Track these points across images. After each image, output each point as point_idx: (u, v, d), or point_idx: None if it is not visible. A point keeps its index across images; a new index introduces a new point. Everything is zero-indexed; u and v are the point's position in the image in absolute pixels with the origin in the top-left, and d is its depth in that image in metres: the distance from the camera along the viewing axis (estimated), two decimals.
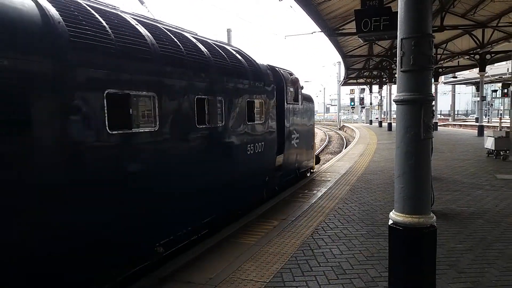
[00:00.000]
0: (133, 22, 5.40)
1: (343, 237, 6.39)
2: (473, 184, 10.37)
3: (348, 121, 70.64)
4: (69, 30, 4.08)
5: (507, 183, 10.44)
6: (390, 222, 3.69)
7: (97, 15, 4.70)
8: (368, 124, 55.35)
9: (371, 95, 57.63)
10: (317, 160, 15.07)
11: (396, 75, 3.68)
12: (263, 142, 8.78)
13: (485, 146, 16.24)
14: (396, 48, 3.68)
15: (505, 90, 35.42)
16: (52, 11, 4.00)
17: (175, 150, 5.72)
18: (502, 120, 24.42)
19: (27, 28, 3.70)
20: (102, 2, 5.43)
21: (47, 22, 3.89)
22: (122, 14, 5.43)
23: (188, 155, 6.09)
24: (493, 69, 44.61)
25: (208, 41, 7.56)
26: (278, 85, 9.87)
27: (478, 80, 31.85)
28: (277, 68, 10.33)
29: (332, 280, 4.81)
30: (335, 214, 7.79)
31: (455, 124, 49.22)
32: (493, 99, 54.21)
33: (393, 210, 3.68)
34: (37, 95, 3.73)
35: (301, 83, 11.76)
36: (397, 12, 3.68)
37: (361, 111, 68.14)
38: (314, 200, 8.97)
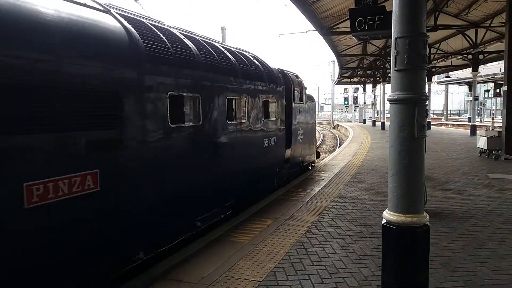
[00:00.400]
0: (181, 36, 6.52)
1: (336, 236, 6.40)
2: (466, 183, 10.44)
3: (341, 120, 70.81)
4: (145, 45, 5.23)
5: (499, 183, 10.52)
6: (384, 221, 3.68)
7: (157, 31, 5.83)
8: (362, 123, 55.56)
9: (364, 94, 57.85)
10: (318, 155, 16.20)
11: (390, 74, 3.68)
12: (275, 137, 10.14)
13: (478, 146, 16.36)
14: (390, 47, 3.69)
15: (498, 90, 35.71)
16: (133, 30, 5.16)
17: (211, 142, 7.00)
18: (494, 120, 24.57)
19: (121, 46, 4.89)
20: (153, 18, 6.56)
21: (132, 40, 5.09)
22: (170, 29, 6.52)
23: (220, 146, 7.32)
24: (485, 69, 44.90)
25: (232, 48, 8.83)
26: (287, 86, 11.13)
27: (471, 80, 32.07)
28: (285, 71, 11.49)
29: (325, 279, 4.81)
30: (328, 212, 7.80)
31: (448, 124, 49.53)
32: (486, 99, 54.67)
33: (387, 209, 3.68)
34: (126, 96, 4.83)
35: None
36: (391, 11, 3.68)
37: (355, 110, 68.39)
38: (308, 199, 8.97)
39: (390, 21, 3.63)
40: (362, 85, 55.89)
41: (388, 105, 3.81)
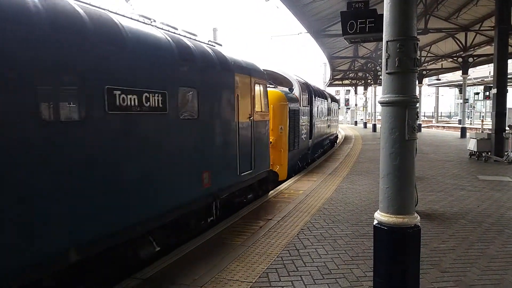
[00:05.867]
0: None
1: (328, 237, 6.43)
2: (456, 185, 10.55)
3: None
4: None
5: (488, 184, 10.64)
6: (375, 222, 3.72)
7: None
8: (353, 125, 55.82)
9: (356, 96, 58.12)
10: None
11: (381, 77, 3.72)
12: (335, 123, 27.98)
13: (468, 148, 16.52)
14: (381, 49, 3.72)
15: (487, 93, 36.06)
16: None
17: (323, 124, 21.44)
18: (484, 122, 24.88)
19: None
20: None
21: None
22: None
23: (325, 126, 21.79)
24: (475, 72, 45.40)
25: (326, 90, 32.50)
26: (338, 102, 33.21)
27: (461, 82, 32.41)
28: (334, 95, 36.78)
29: (317, 280, 4.84)
30: (320, 214, 7.84)
31: (438, 126, 49.96)
32: (475, 102, 55.16)
33: (378, 210, 3.72)
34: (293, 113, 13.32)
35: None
36: (382, 14, 3.72)
37: (346, 112, 68.64)
38: (300, 200, 9.00)
39: (382, 24, 3.66)
40: (353, 87, 56.14)
41: (379, 107, 3.83)
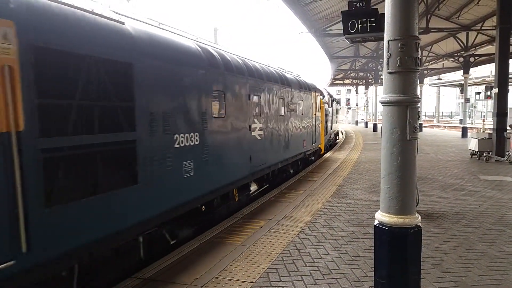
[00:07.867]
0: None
1: (329, 237, 6.42)
2: (457, 185, 10.52)
3: None
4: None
5: (490, 184, 10.62)
6: (376, 222, 3.71)
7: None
8: (354, 125, 55.77)
9: (357, 96, 58.07)
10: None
11: (382, 77, 3.71)
12: (336, 122, 30.90)
13: (469, 148, 16.50)
14: (382, 49, 3.71)
15: (488, 92, 36.01)
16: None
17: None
18: (485, 122, 24.81)
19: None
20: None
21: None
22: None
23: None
24: (476, 72, 45.26)
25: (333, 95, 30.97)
26: (339, 102, 39.96)
27: (462, 82, 32.33)
28: (335, 95, 46.30)
29: (318, 280, 4.83)
30: (321, 214, 7.82)
31: (439, 126, 49.88)
32: (477, 101, 55.07)
33: (379, 210, 3.71)
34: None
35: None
36: (383, 14, 3.71)
37: (347, 111, 68.59)
38: (300, 200, 8.99)
39: (383, 24, 3.65)
40: (354, 87, 56.10)
41: (380, 107, 3.82)
